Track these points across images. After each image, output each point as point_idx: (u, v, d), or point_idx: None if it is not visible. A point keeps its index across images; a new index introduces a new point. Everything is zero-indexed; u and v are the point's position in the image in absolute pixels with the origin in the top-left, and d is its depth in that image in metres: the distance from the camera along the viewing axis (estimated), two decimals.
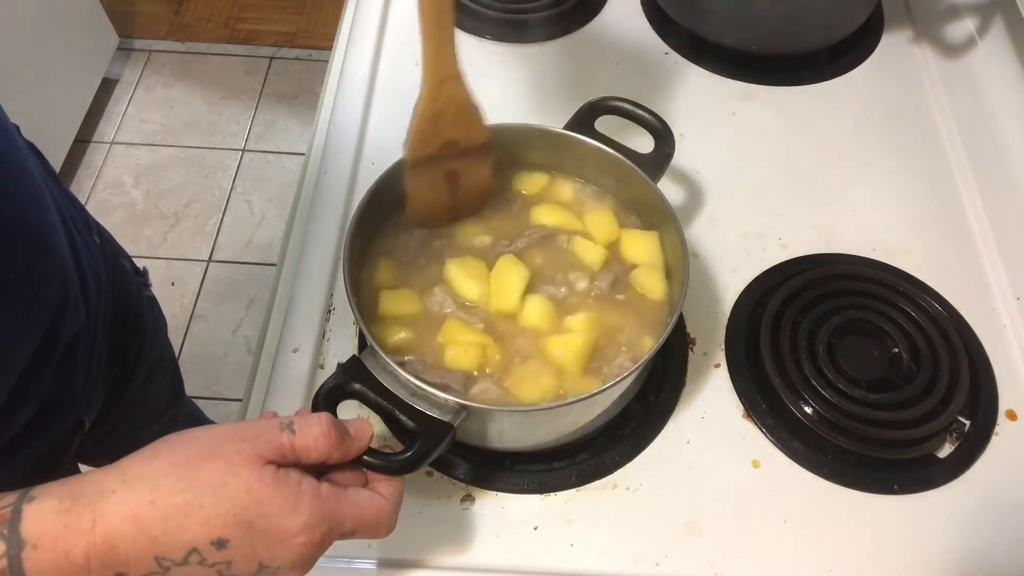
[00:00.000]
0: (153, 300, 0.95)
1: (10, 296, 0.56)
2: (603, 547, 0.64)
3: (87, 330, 0.69)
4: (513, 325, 0.64)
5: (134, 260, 0.89)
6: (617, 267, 0.67)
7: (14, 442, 0.64)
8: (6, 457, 0.64)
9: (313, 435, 0.46)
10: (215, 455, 0.44)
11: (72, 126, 1.98)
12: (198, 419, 1.27)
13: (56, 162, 1.92)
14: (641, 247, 0.68)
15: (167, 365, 1.03)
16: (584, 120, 0.71)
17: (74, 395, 0.70)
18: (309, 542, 0.45)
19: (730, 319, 0.75)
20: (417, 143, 0.62)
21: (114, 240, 0.86)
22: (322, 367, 0.72)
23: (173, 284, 1.85)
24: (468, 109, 0.63)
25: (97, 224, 0.81)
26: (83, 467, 0.80)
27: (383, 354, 0.55)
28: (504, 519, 0.65)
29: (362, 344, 0.73)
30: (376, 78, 0.93)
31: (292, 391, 0.70)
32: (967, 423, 0.69)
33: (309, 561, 0.47)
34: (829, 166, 0.87)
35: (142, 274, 0.91)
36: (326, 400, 0.54)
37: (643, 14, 1.01)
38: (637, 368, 0.58)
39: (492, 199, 0.70)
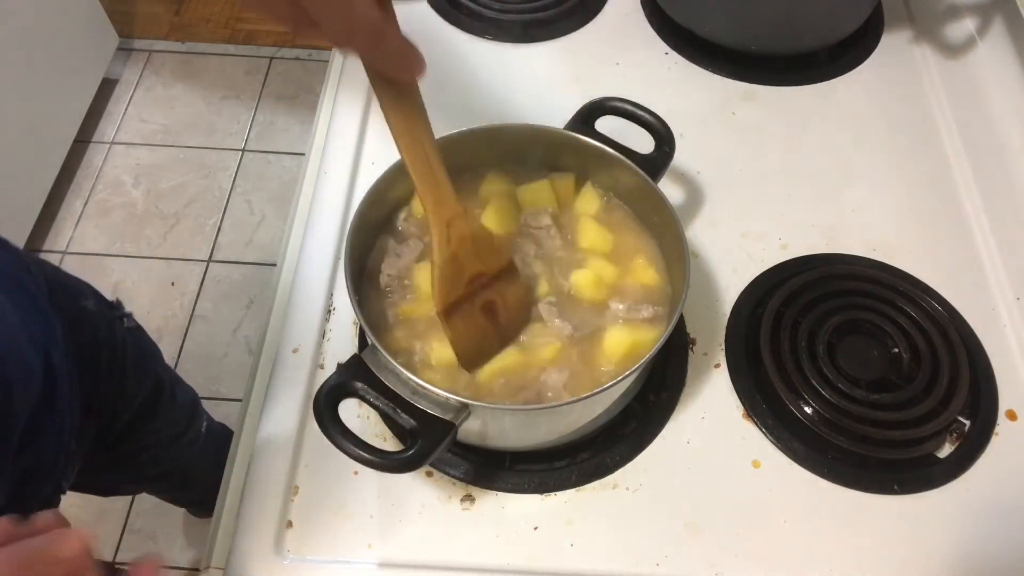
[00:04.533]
0: (137, 331, 0.91)
1: None
2: (603, 547, 0.64)
3: (47, 399, 0.66)
4: None
5: (100, 293, 0.85)
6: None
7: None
8: None
9: None
10: None
11: (72, 126, 1.98)
12: (218, 434, 1.26)
13: (56, 162, 1.92)
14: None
15: (168, 390, 1.01)
16: (584, 120, 0.71)
17: (46, 465, 0.68)
18: None
19: (730, 319, 0.75)
20: (443, 291, 0.59)
21: (72, 280, 0.81)
22: (322, 367, 0.72)
23: (173, 284, 1.85)
24: (482, 239, 0.60)
25: (43, 269, 0.76)
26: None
27: (384, 352, 0.55)
28: (504, 519, 0.65)
29: (362, 344, 0.73)
30: None
31: (292, 391, 0.70)
32: (967, 423, 0.69)
33: None
34: (829, 166, 0.87)
35: (116, 307, 0.87)
36: (327, 399, 0.54)
37: (643, 14, 1.01)
38: (637, 368, 0.58)
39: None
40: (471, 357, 0.61)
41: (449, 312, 0.59)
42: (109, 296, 0.89)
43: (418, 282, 0.66)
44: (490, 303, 0.61)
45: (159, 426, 0.99)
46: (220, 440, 1.24)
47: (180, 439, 1.08)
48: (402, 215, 0.70)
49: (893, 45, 0.99)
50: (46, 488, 0.70)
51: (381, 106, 0.53)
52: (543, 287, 0.66)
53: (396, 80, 0.52)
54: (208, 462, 1.19)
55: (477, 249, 0.60)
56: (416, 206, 0.70)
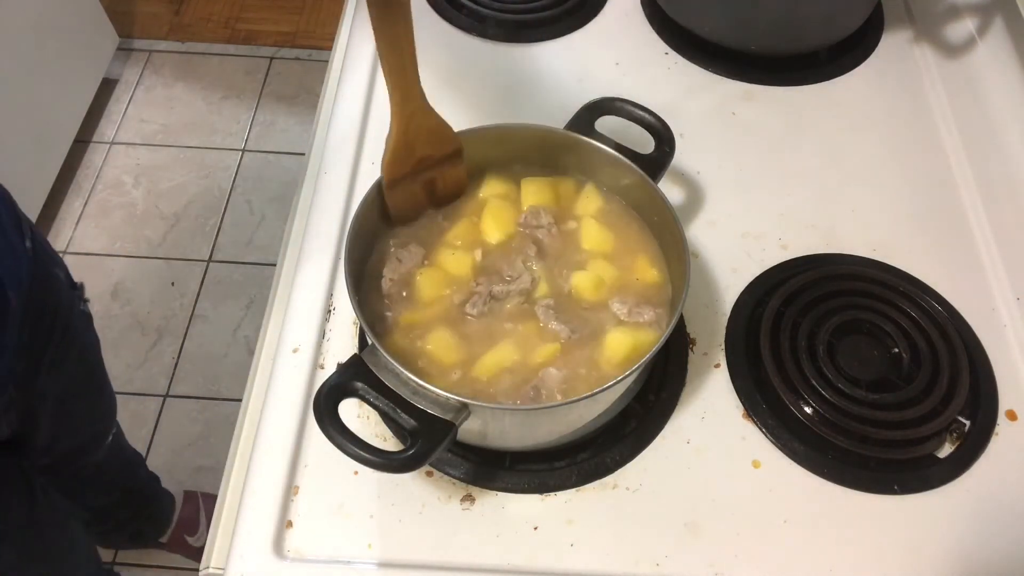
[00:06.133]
0: (88, 318, 0.97)
1: None
2: (603, 547, 0.64)
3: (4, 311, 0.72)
4: None
5: (69, 272, 0.92)
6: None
7: None
8: None
9: None
10: None
11: (72, 126, 1.98)
12: (124, 453, 1.28)
13: (56, 162, 1.92)
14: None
15: (96, 381, 1.06)
16: (584, 120, 0.71)
17: None
18: None
19: (730, 319, 0.75)
20: (392, 167, 0.66)
21: (51, 248, 0.89)
22: (322, 367, 0.72)
23: (173, 284, 1.85)
24: (437, 129, 0.67)
25: (33, 230, 0.84)
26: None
27: (384, 352, 0.55)
28: (504, 519, 0.65)
29: (362, 344, 0.73)
30: (376, 78, 0.93)
31: (292, 391, 0.70)
32: (967, 423, 0.69)
33: None
34: (829, 166, 0.87)
35: (77, 288, 0.94)
36: (327, 399, 0.54)
37: (643, 14, 1.01)
38: (637, 368, 0.58)
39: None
40: (401, 217, 0.70)
41: (393, 184, 0.67)
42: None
43: (420, 284, 0.66)
44: (431, 180, 0.69)
45: (82, 411, 1.03)
46: (124, 460, 1.27)
47: (97, 440, 1.11)
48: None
49: (893, 45, 0.99)
50: None
51: (371, 15, 0.58)
52: (542, 288, 0.66)
53: None
54: (109, 476, 1.22)
55: (429, 137, 0.66)
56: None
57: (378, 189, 0.66)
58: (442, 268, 0.67)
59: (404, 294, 0.66)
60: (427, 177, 0.68)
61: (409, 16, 0.60)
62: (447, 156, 0.68)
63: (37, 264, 0.81)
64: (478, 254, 0.68)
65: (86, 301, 0.96)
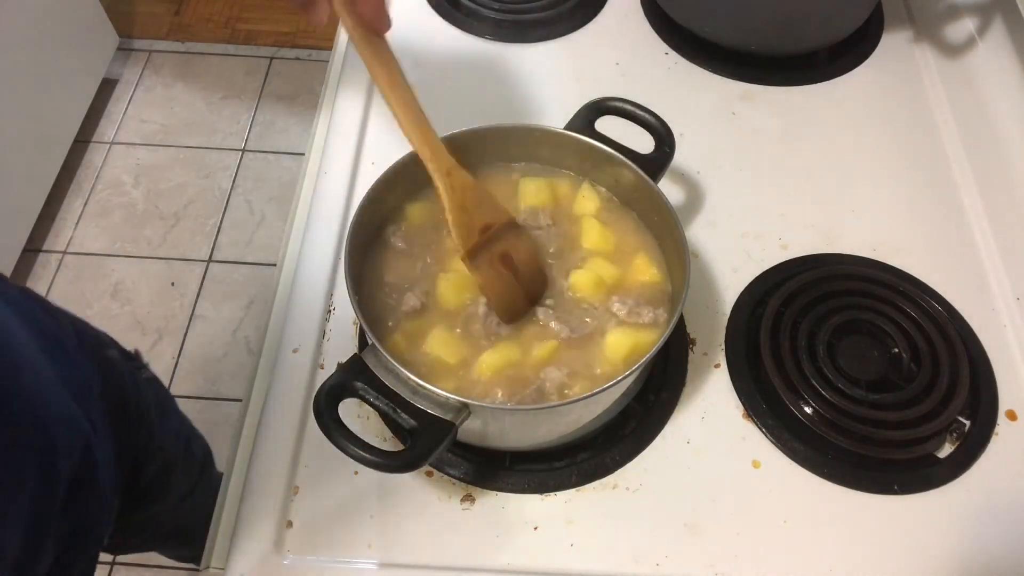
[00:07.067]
0: (154, 382, 0.89)
1: None
2: (603, 547, 0.64)
3: (88, 454, 0.65)
4: None
5: (119, 344, 0.83)
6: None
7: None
8: None
9: None
10: None
11: (72, 126, 1.98)
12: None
13: (56, 162, 1.92)
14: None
15: (184, 442, 0.98)
16: (584, 120, 0.71)
17: (90, 524, 0.67)
18: None
19: (730, 319, 0.75)
20: (463, 234, 0.63)
21: (94, 330, 0.80)
22: (322, 367, 0.72)
23: (173, 284, 1.85)
24: (482, 193, 0.65)
25: (73, 320, 0.76)
26: None
27: (384, 352, 0.55)
28: (504, 519, 0.65)
29: (362, 344, 0.73)
30: None
31: (292, 391, 0.70)
32: (967, 423, 0.69)
33: None
34: (829, 166, 0.87)
35: (133, 357, 0.85)
36: (327, 399, 0.54)
37: (643, 14, 1.01)
38: (637, 368, 0.58)
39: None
40: (503, 307, 0.64)
41: (472, 258, 0.63)
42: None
43: (442, 292, 0.66)
44: (505, 254, 0.65)
45: (174, 481, 0.95)
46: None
47: (192, 494, 1.02)
48: (401, 220, 0.70)
49: (893, 45, 0.99)
50: (91, 547, 0.69)
51: (368, 66, 0.59)
52: None
53: (371, 33, 0.59)
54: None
55: (479, 201, 0.64)
56: (411, 212, 0.70)
57: (378, 189, 0.66)
58: (462, 273, 0.66)
59: (406, 283, 0.66)
60: (501, 249, 0.65)
61: (399, 66, 0.60)
62: (507, 225, 0.66)
63: (94, 360, 0.73)
64: None
65: (145, 366, 0.87)
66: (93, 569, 0.71)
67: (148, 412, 0.83)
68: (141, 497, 0.86)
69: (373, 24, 0.59)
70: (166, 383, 1.69)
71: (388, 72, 0.60)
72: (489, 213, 0.65)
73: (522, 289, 0.65)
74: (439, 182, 0.62)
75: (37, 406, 0.60)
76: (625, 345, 0.63)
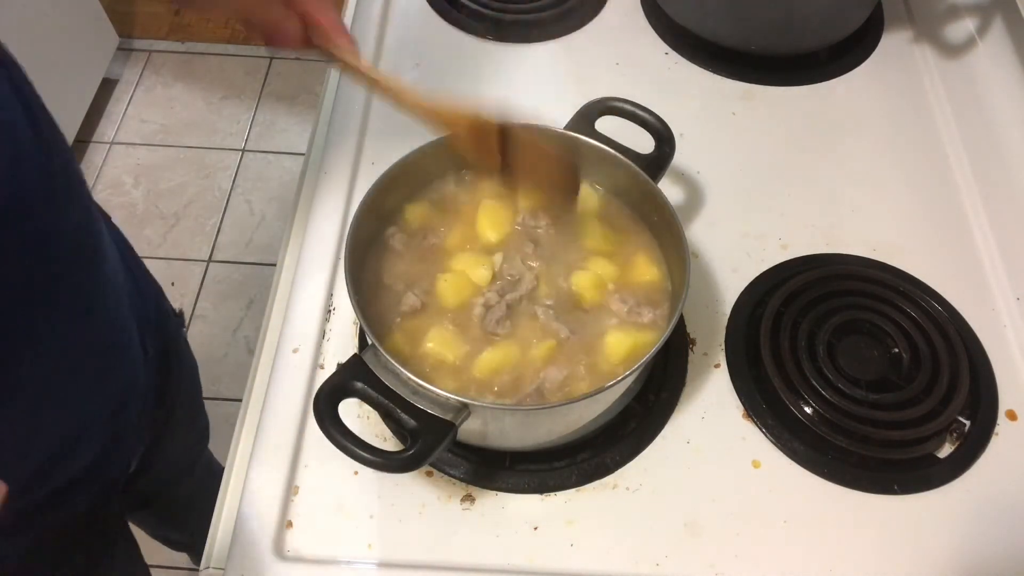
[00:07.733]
0: (187, 343, 0.94)
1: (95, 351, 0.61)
2: (603, 547, 0.64)
3: (139, 379, 0.71)
4: None
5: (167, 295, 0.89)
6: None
7: (57, 497, 0.64)
8: (47, 510, 0.65)
9: None
10: None
11: (72, 126, 1.98)
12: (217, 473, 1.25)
13: None
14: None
15: (197, 408, 1.02)
16: (584, 120, 0.71)
17: (122, 445, 0.70)
18: None
19: (730, 319, 0.75)
20: (490, 163, 0.66)
21: (155, 281, 0.85)
22: (322, 367, 0.72)
23: (173, 284, 1.85)
24: (485, 124, 0.64)
25: (141, 264, 0.81)
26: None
27: (384, 352, 0.55)
28: (504, 519, 0.65)
29: (362, 344, 0.73)
30: None
31: (292, 391, 0.70)
32: (967, 423, 0.69)
33: None
34: (829, 166, 0.87)
35: (179, 315, 0.91)
36: (327, 399, 0.54)
37: (643, 14, 1.01)
38: (637, 368, 0.58)
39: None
40: (553, 188, 0.68)
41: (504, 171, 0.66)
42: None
43: (442, 291, 0.66)
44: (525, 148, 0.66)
45: (179, 442, 0.98)
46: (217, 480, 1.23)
47: (194, 464, 1.06)
48: (401, 220, 0.70)
49: (893, 45, 0.99)
50: (122, 460, 0.73)
51: (367, 81, 0.61)
52: (542, 288, 0.66)
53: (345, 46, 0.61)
54: (204, 500, 1.17)
55: (483, 132, 0.64)
56: (411, 212, 0.70)
57: (378, 189, 0.66)
58: (461, 273, 0.66)
59: (406, 284, 0.66)
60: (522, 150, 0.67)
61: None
62: (507, 128, 0.66)
63: (155, 301, 0.80)
64: (498, 259, 0.67)
65: (185, 327, 0.94)
66: (109, 501, 0.76)
67: (183, 367, 0.88)
68: (163, 447, 0.89)
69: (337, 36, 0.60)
70: None
71: (376, 72, 0.61)
72: (491, 133, 0.65)
73: (556, 161, 0.67)
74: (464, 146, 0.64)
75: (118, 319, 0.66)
76: (625, 345, 0.63)
